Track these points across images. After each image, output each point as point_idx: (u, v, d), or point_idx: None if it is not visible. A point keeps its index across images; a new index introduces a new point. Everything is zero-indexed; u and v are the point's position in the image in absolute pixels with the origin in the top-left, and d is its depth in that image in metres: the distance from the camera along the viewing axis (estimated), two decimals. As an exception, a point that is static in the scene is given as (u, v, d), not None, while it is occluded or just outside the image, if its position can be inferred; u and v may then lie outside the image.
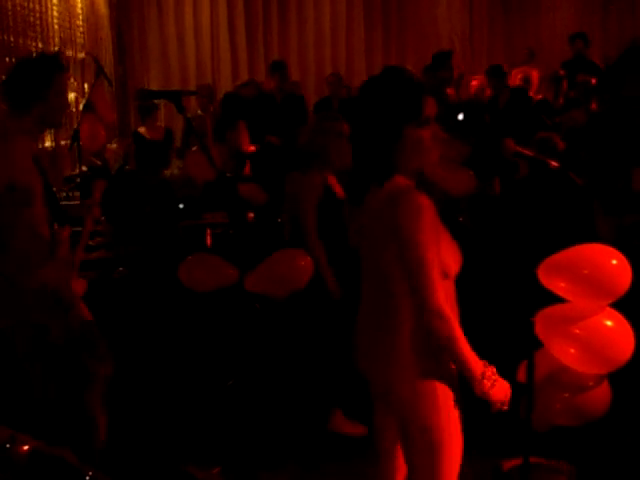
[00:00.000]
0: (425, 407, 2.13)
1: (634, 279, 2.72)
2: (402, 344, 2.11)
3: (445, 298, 2.07)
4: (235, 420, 3.77)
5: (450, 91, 6.78)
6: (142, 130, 6.77)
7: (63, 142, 7.17)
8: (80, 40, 8.46)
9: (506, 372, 3.02)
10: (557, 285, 2.79)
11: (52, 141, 7.02)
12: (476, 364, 2.07)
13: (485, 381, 2.06)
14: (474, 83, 7.83)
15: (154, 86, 9.79)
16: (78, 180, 5.94)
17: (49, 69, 2.98)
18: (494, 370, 2.10)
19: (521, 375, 2.92)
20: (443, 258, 2.08)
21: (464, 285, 2.25)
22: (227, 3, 10.34)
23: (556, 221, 2.92)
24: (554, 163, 2.86)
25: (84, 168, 6.22)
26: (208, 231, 4.81)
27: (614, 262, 2.75)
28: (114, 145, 6.84)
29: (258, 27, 10.51)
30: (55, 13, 7.85)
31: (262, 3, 10.49)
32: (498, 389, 2.09)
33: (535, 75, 8.24)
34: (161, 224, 4.86)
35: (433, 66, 7.26)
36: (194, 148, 4.70)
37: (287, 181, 3.88)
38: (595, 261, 2.78)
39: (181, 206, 5.20)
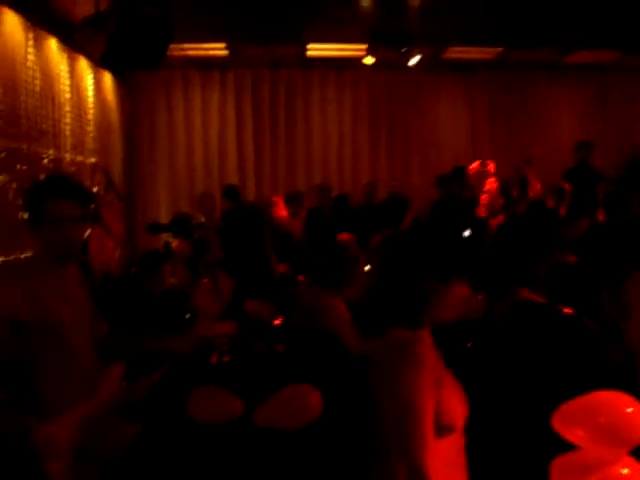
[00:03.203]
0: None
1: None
2: None
3: (448, 454, 1.99)
4: None
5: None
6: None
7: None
8: (90, 146, 8.63)
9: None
10: (573, 433, 2.73)
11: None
12: None
13: None
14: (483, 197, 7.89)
15: (162, 193, 10.01)
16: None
17: (36, 196, 2.77)
18: None
19: (538, 524, 2.82)
20: (447, 410, 1.99)
21: (476, 432, 2.19)
22: (236, 120, 10.53)
23: (569, 367, 2.89)
24: (567, 310, 2.85)
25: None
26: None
27: (629, 410, 2.70)
28: (119, 252, 6.89)
29: (265, 141, 10.66)
30: (67, 120, 8.00)
31: (269, 115, 10.65)
32: None
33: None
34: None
35: (447, 179, 7.50)
36: (205, 280, 4.70)
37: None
38: (611, 409, 2.73)
39: (187, 316, 5.13)
